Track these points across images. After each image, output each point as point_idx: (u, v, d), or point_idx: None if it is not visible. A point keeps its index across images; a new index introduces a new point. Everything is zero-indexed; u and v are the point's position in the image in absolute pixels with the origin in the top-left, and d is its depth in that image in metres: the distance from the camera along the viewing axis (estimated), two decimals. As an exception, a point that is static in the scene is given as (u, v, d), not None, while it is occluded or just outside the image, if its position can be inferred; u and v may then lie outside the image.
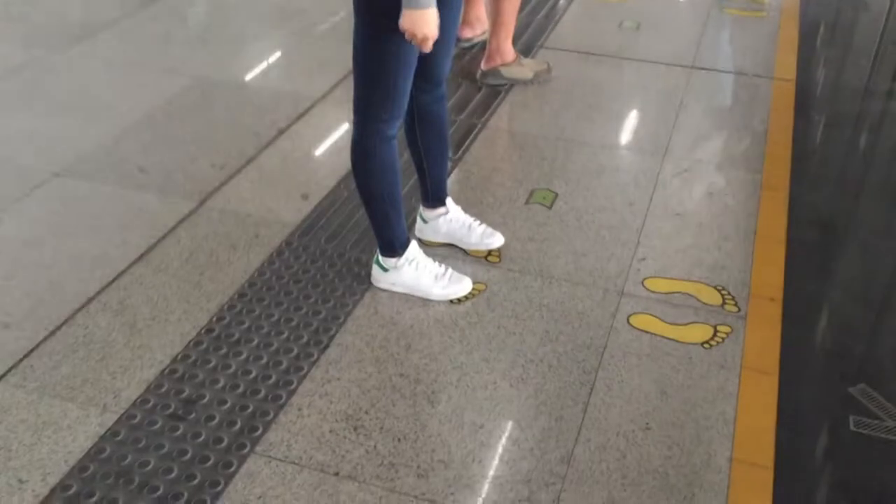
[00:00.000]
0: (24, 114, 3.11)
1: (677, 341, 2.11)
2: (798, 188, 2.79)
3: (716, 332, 2.15)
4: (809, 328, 2.24)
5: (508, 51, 3.39)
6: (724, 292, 2.29)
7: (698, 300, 2.26)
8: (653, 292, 2.28)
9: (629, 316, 2.19)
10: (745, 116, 3.25)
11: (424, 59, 1.99)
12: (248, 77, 3.52)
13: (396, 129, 2.05)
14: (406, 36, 1.79)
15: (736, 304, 2.24)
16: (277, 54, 3.77)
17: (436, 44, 1.84)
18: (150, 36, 3.78)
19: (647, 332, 2.14)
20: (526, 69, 3.42)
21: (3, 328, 2.09)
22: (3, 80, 3.33)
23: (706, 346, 2.10)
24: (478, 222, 2.41)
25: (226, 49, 3.70)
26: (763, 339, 2.13)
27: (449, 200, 2.39)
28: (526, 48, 3.69)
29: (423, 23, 1.76)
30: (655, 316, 2.19)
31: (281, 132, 3.02)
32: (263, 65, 3.66)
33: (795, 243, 2.51)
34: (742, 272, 2.37)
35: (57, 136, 2.94)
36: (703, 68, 3.59)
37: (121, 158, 2.84)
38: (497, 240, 2.41)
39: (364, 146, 2.05)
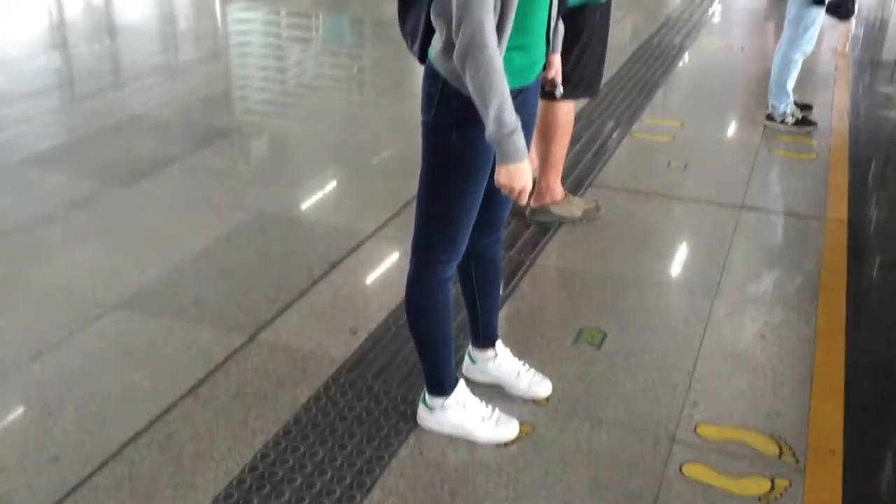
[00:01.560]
0: (88, 246, 3.23)
1: (733, 494, 2.03)
2: (855, 333, 2.73)
3: (773, 485, 2.06)
4: (873, 484, 2.14)
5: (558, 189, 3.45)
6: (780, 442, 2.21)
7: (754, 449, 2.18)
8: (706, 439, 2.21)
9: (682, 465, 2.12)
10: (796, 257, 3.23)
11: (486, 204, 2.03)
12: (304, 211, 3.63)
13: (453, 271, 2.08)
14: (503, 190, 1.81)
15: (794, 455, 2.16)
16: (333, 189, 3.89)
17: (498, 190, 1.89)
18: (211, 171, 3.94)
19: (700, 482, 2.06)
20: (575, 207, 3.47)
21: (53, 461, 2.11)
22: (71, 213, 3.48)
23: (763, 500, 2.01)
24: (526, 367, 2.40)
25: (284, 184, 3.83)
26: (823, 495, 2.03)
27: (499, 343, 2.39)
28: (575, 186, 3.75)
29: (519, 176, 1.78)
30: (709, 465, 2.12)
31: (333, 266, 3.08)
32: (319, 199, 3.78)
33: (854, 391, 2.44)
34: (799, 420, 2.30)
35: (118, 269, 3.04)
36: (752, 209, 3.61)
37: (178, 291, 2.91)
38: (545, 388, 2.38)
39: (420, 285, 2.08)
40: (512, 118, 1.72)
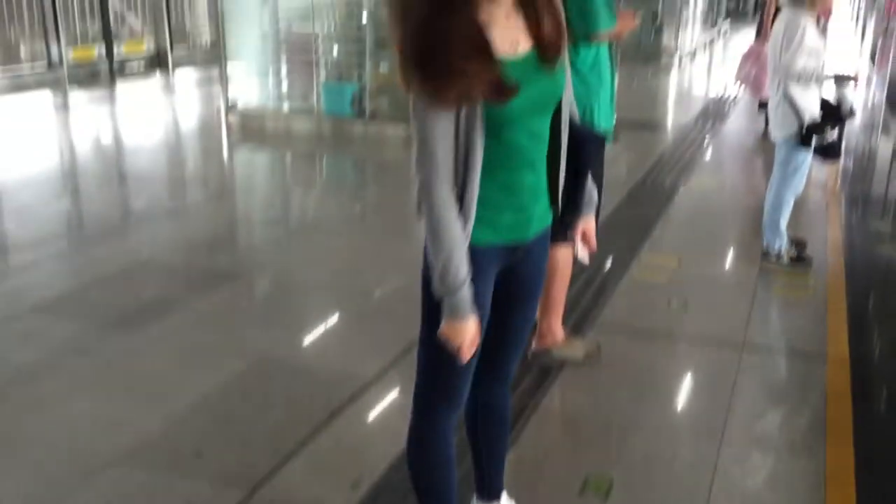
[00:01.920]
0: (89, 396, 3.22)
1: None
2: (865, 478, 2.68)
3: None
4: None
5: (559, 331, 3.48)
6: None
7: None
8: None
9: None
10: (800, 399, 3.21)
11: (492, 356, 2.04)
12: (306, 356, 3.64)
13: (454, 421, 2.05)
14: (448, 344, 1.83)
15: None
16: (335, 332, 3.92)
17: (505, 342, 1.90)
18: (214, 316, 3.98)
19: None
20: (577, 349, 3.48)
21: None
22: (74, 361, 3.49)
23: None
24: (531, 521, 2.35)
25: (286, 328, 3.86)
26: None
27: (504, 496, 2.35)
28: (576, 327, 3.77)
29: (459, 333, 1.80)
30: None
31: (334, 415, 3.06)
32: (321, 343, 3.80)
33: (869, 542, 2.37)
34: (814, 575, 2.23)
35: (119, 420, 3.02)
36: (753, 348, 3.61)
37: (178, 443, 2.88)
38: (553, 540, 2.32)
39: (419, 440, 2.06)
40: (457, 279, 1.75)
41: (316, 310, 4.16)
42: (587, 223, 2.13)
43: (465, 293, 1.77)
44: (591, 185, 2.08)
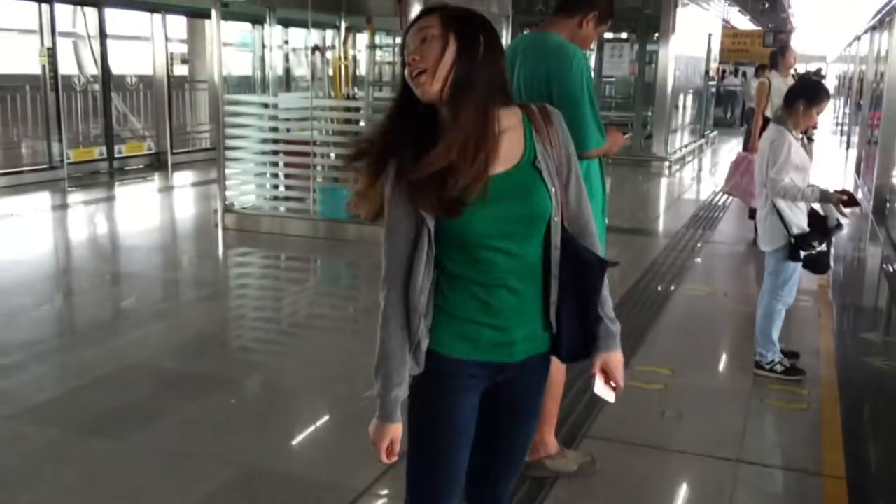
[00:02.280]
0: (72, 505, 3.14)
1: None
2: None
3: None
4: None
5: (552, 443, 3.43)
6: None
7: None
8: None
9: None
10: (798, 516, 3.15)
11: (483, 478, 2.01)
12: (294, 465, 3.57)
13: None
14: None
15: None
16: (324, 440, 3.86)
17: (496, 464, 1.90)
18: (202, 423, 3.92)
19: None
20: (570, 461, 3.43)
21: None
22: (58, 469, 3.42)
23: None
24: None
25: (275, 435, 3.80)
26: None
27: None
28: (568, 438, 3.73)
29: (380, 434, 1.88)
30: None
31: (322, 529, 2.99)
32: (310, 451, 3.74)
33: None
34: None
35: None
36: (748, 463, 3.57)
37: (159, 557, 2.80)
38: None
39: None
40: (390, 380, 1.82)
41: (306, 415, 4.11)
42: (608, 358, 1.99)
43: (396, 397, 1.83)
44: (610, 316, 1.98)
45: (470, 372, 1.87)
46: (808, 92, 4.32)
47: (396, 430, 1.87)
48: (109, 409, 4.03)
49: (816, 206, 4.44)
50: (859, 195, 11.25)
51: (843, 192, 4.28)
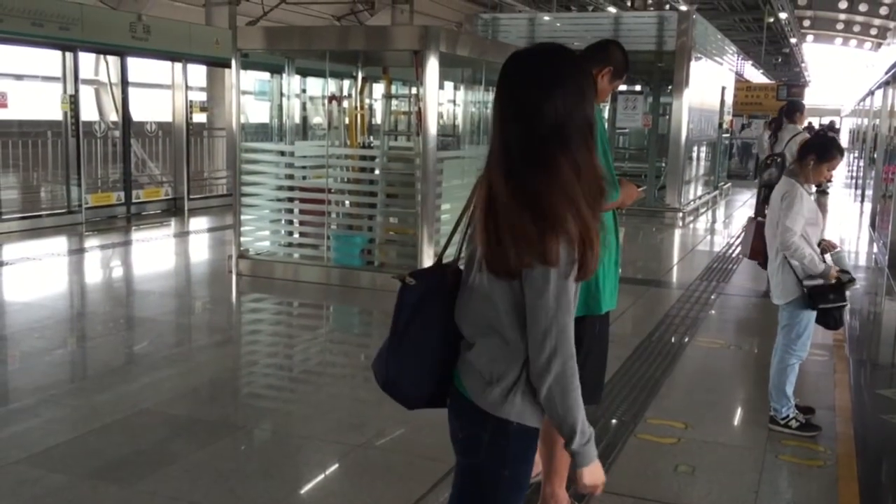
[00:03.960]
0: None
1: None
2: None
3: None
4: None
5: (563, 497, 3.39)
6: None
7: None
8: None
9: None
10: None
11: None
12: (303, 516, 3.54)
13: None
14: (584, 490, 1.91)
15: None
16: (336, 490, 3.83)
17: None
18: (212, 471, 3.90)
19: None
20: (581, 517, 3.39)
21: None
22: (65, 515, 3.40)
23: None
24: None
25: (285, 483, 3.77)
26: None
27: None
28: (580, 494, 3.67)
29: (599, 472, 1.90)
30: None
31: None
32: (321, 502, 3.70)
33: None
34: None
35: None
36: (763, 520, 3.51)
37: None
38: None
39: None
40: (588, 426, 1.86)
41: (316, 463, 4.09)
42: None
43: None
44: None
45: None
46: (820, 149, 4.34)
47: None
48: (119, 455, 4.02)
49: (828, 258, 4.43)
50: (874, 249, 11.22)
51: (839, 274, 4.25)
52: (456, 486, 2.01)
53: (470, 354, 1.91)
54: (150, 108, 14.07)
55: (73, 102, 11.12)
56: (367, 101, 9.75)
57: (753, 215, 8.02)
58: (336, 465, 4.06)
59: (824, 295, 4.24)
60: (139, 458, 3.99)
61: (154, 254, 10.08)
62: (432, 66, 7.39)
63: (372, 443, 4.25)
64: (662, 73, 14.85)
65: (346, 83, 10.29)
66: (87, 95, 12.50)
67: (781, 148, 8.27)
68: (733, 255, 10.08)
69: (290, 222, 8.63)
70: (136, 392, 4.98)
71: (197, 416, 4.62)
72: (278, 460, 4.10)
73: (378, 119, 10.40)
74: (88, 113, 12.59)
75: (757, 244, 7.03)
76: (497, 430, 1.88)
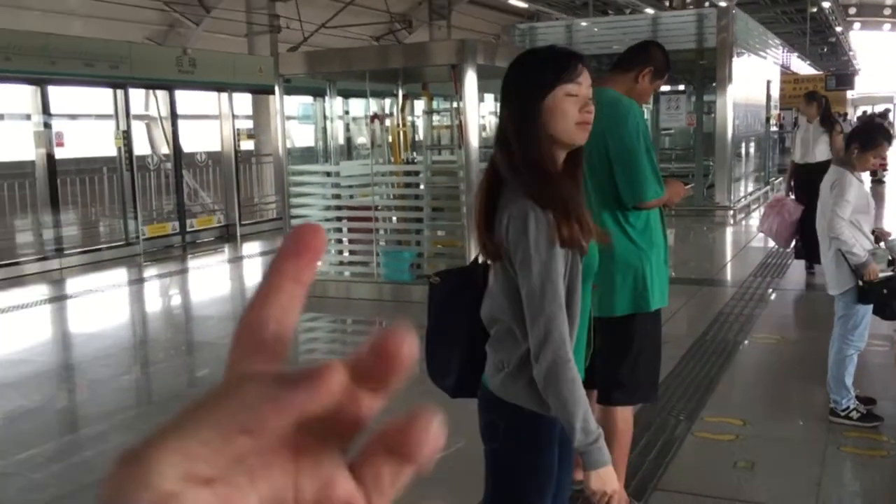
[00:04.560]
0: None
1: None
2: None
3: None
4: None
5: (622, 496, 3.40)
6: None
7: None
8: None
9: None
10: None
11: None
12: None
13: None
14: (594, 498, 1.85)
15: None
16: None
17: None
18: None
19: None
20: (640, 515, 3.39)
21: None
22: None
23: None
24: None
25: None
26: None
27: None
28: (638, 492, 3.68)
29: (610, 479, 1.84)
30: None
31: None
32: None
33: None
34: None
35: None
36: (827, 512, 3.47)
37: None
38: None
39: None
40: (595, 425, 1.80)
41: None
42: None
43: (604, 439, 1.83)
44: None
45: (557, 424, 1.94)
46: (863, 136, 4.29)
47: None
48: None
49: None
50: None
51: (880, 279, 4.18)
52: (485, 474, 2.05)
53: (487, 344, 1.99)
54: (200, 138, 14.43)
55: (126, 138, 11.46)
56: (408, 118, 9.87)
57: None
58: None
59: (877, 291, 4.16)
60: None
61: (210, 280, 10.31)
62: (470, 78, 7.47)
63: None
64: (705, 71, 14.71)
65: (388, 101, 10.43)
66: (138, 130, 12.87)
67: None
68: (789, 250, 9.93)
69: (340, 241, 8.77)
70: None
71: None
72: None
73: (420, 135, 10.52)
74: (141, 147, 12.97)
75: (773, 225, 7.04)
76: (509, 416, 1.91)
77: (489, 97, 11.45)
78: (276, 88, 8.39)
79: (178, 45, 14.21)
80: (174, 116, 12.65)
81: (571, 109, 1.88)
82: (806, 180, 8.28)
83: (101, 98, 11.84)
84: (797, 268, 8.70)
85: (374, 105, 9.68)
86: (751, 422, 4.50)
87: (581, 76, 1.91)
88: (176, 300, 9.44)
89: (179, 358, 6.60)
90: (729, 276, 9.25)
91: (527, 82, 1.94)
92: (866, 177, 4.35)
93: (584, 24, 15.79)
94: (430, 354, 2.11)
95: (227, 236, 13.19)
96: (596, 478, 1.80)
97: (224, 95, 13.20)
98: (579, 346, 1.98)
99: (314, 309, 8.11)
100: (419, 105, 10.47)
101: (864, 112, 24.55)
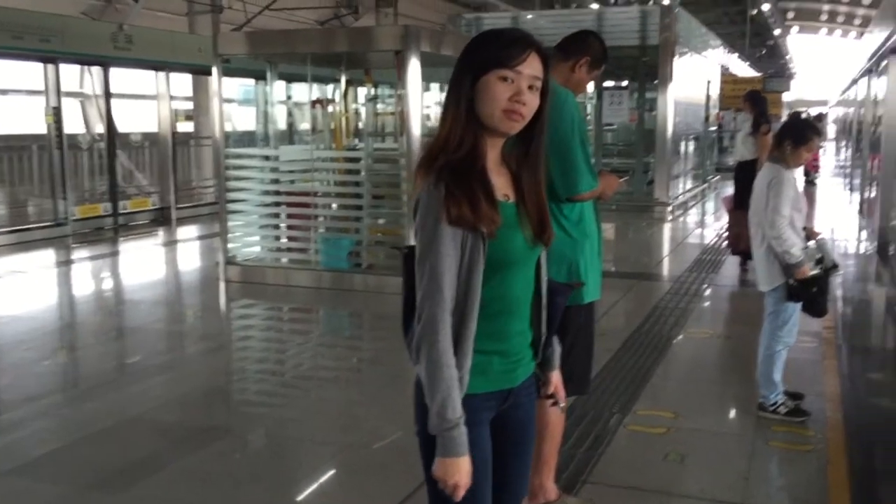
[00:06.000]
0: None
1: None
2: None
3: None
4: None
5: (551, 488, 3.39)
6: None
7: None
8: None
9: None
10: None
11: None
12: (294, 518, 3.53)
13: None
14: (439, 484, 1.82)
15: None
16: (329, 491, 3.82)
17: (504, 496, 1.96)
18: (203, 476, 3.89)
19: None
20: (571, 507, 3.38)
21: None
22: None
23: None
24: None
25: (279, 486, 3.77)
26: None
27: None
28: (569, 483, 3.68)
29: (454, 471, 1.80)
30: None
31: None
32: (314, 503, 3.69)
33: None
34: None
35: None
36: (753, 506, 3.51)
37: None
38: None
39: None
40: (455, 414, 1.77)
41: (309, 466, 4.08)
42: (556, 375, 2.19)
43: (462, 430, 1.79)
44: (555, 340, 2.16)
45: (484, 405, 1.92)
46: (794, 132, 4.35)
47: (468, 463, 1.81)
48: (110, 464, 4.01)
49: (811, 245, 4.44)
50: (863, 235, 11.26)
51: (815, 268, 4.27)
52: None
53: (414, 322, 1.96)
54: (136, 118, 14.05)
55: (57, 115, 11.08)
56: (351, 104, 9.75)
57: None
58: (327, 466, 4.06)
59: (806, 290, 4.23)
60: (131, 466, 3.97)
61: (142, 264, 10.05)
62: (414, 66, 7.40)
63: (363, 442, 4.25)
64: (647, 68, 14.88)
65: (331, 87, 10.29)
66: (71, 108, 12.46)
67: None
68: (723, 247, 10.10)
69: (278, 227, 8.62)
70: (126, 400, 4.97)
71: (188, 423, 4.61)
72: (269, 463, 4.09)
73: (363, 122, 10.41)
74: (73, 125, 12.56)
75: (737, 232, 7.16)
76: (419, 391, 1.88)
77: (435, 86, 11.39)
78: (214, 69, 8.19)
79: (115, 20, 13.77)
80: (108, 94, 12.28)
81: (501, 95, 1.83)
82: (740, 177, 8.48)
83: (31, 73, 11.42)
84: (732, 264, 8.86)
85: (316, 90, 9.54)
86: (682, 415, 4.55)
87: (523, 64, 1.84)
88: (106, 283, 9.17)
89: (108, 343, 6.40)
90: (666, 271, 9.37)
91: (466, 61, 1.90)
92: (799, 178, 4.41)
93: (529, 16, 15.80)
94: (406, 325, 2.02)
95: (162, 219, 12.87)
96: (441, 465, 1.79)
97: (162, 75, 12.87)
98: (504, 331, 1.92)
99: (251, 295, 7.97)
100: (363, 91, 10.36)
101: (795, 112, 25.21)
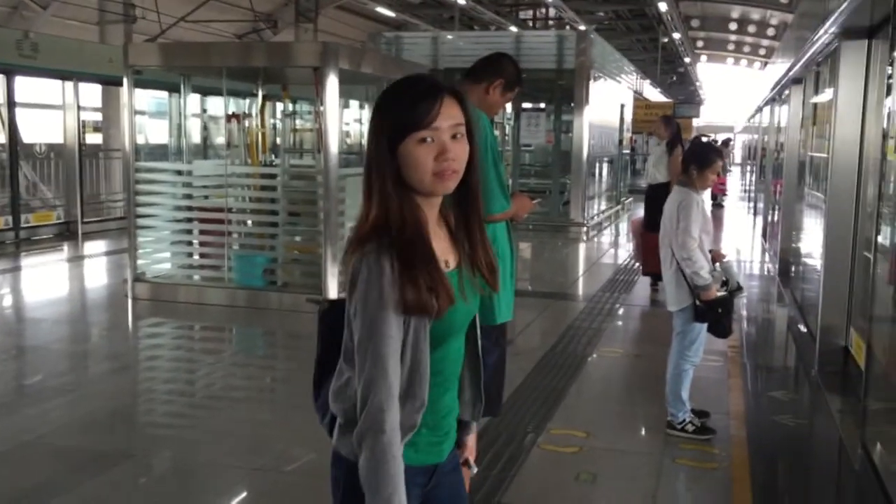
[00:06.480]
0: None
1: None
2: None
3: None
4: None
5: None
6: None
7: None
8: None
9: None
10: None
11: None
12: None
13: None
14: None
15: None
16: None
17: None
18: (102, 502, 3.73)
19: None
20: (483, 530, 3.37)
21: None
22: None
23: None
24: None
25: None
26: None
27: None
28: (483, 505, 3.67)
29: None
30: None
31: None
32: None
33: None
34: None
35: None
36: (661, 523, 3.57)
37: None
38: None
39: None
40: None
41: (215, 491, 3.96)
42: (472, 440, 2.09)
43: None
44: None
45: (413, 480, 1.74)
46: (698, 156, 4.50)
47: None
48: (1, 492, 3.80)
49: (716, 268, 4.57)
50: (766, 258, 11.69)
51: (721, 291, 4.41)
52: None
53: (329, 390, 1.84)
54: (41, 129, 13.54)
55: (-45, 123, 10.60)
56: (268, 119, 9.62)
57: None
58: (235, 490, 3.95)
59: (712, 311, 4.36)
60: (22, 494, 3.78)
61: (45, 280, 9.66)
62: (332, 82, 7.35)
63: (272, 465, 4.15)
64: (563, 91, 15.17)
65: (248, 101, 10.14)
66: (-29, 116, 11.93)
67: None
68: (636, 267, 10.33)
69: (190, 243, 8.40)
70: (23, 423, 4.73)
71: (88, 447, 4.42)
72: (176, 489, 3.95)
73: (279, 138, 10.28)
74: (-27, 134, 12.03)
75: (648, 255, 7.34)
76: (347, 472, 1.74)
77: (354, 103, 11.33)
78: (125, 80, 7.96)
79: (22, 27, 13.29)
80: (11, 103, 11.81)
81: (425, 159, 1.67)
82: (651, 199, 8.71)
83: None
84: (643, 284, 9.07)
85: (232, 104, 9.38)
86: (594, 434, 4.60)
87: (439, 118, 1.67)
88: (5, 300, 8.77)
89: (4, 363, 6.10)
90: (580, 291, 9.52)
91: (378, 128, 1.71)
92: (707, 200, 4.54)
93: (449, 37, 15.93)
94: (317, 387, 1.90)
95: (67, 234, 12.41)
96: None
97: (69, 84, 12.44)
98: (436, 406, 1.78)
99: (159, 314, 7.73)
100: (280, 107, 10.23)
101: (697, 136, 26.09)
